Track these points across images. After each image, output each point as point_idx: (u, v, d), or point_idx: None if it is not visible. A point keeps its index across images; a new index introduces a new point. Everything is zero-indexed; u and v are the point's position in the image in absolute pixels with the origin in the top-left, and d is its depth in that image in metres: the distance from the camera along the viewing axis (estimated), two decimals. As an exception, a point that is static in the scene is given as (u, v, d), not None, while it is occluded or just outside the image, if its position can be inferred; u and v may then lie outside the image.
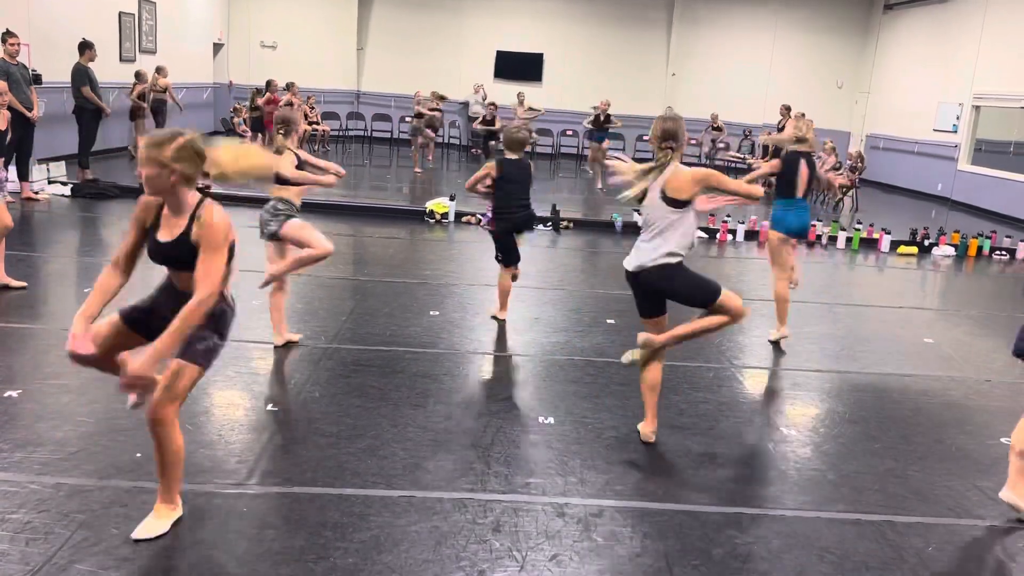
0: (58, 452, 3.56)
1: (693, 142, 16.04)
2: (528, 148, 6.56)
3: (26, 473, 3.36)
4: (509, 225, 5.84)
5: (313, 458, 3.69)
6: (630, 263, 3.98)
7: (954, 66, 15.28)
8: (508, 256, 5.91)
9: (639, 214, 4.08)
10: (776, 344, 5.99)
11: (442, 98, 15.10)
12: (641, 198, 3.91)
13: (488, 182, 5.73)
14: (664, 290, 3.95)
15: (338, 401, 4.37)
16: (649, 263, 3.89)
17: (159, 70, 12.94)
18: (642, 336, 4.01)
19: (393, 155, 16.82)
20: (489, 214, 6.04)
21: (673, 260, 3.87)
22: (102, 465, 3.47)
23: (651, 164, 3.91)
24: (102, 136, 11.61)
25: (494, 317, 6.10)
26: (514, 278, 6.07)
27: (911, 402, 5.05)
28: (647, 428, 4.14)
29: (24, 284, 5.92)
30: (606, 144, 14.13)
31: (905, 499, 3.74)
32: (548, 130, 17.73)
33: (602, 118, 14.07)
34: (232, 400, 4.34)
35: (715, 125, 17.17)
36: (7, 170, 6.62)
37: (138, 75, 12.76)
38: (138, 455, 3.56)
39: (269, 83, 14.11)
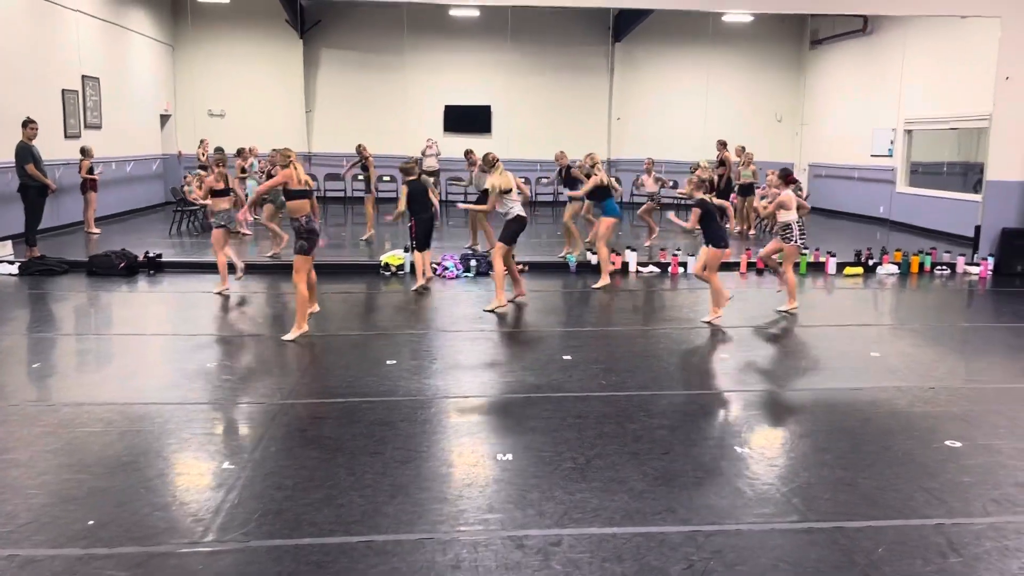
0: (8, 525, 3.50)
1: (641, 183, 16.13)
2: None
3: (-26, 549, 3.30)
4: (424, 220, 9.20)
5: (269, 511, 3.67)
6: (521, 212, 8.09)
7: (882, 94, 15.93)
8: (419, 242, 9.22)
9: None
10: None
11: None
12: (509, 189, 8.05)
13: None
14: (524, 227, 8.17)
15: (294, 454, 4.36)
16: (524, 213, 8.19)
17: (202, 142, 16.15)
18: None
19: (348, 213, 16.90)
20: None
21: None
22: (53, 535, 3.42)
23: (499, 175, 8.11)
24: (51, 212, 11.52)
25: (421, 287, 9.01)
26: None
27: (860, 413, 5.19)
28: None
29: None
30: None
31: (855, 505, 3.83)
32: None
33: (562, 174, 11.14)
34: (187, 461, 4.31)
35: (647, 169, 15.93)
36: None
37: (83, 151, 12.75)
38: (90, 522, 3.52)
39: (218, 149, 14.11)
